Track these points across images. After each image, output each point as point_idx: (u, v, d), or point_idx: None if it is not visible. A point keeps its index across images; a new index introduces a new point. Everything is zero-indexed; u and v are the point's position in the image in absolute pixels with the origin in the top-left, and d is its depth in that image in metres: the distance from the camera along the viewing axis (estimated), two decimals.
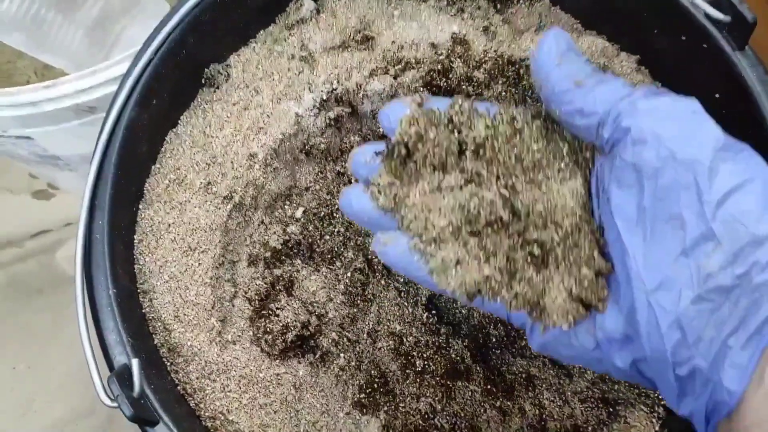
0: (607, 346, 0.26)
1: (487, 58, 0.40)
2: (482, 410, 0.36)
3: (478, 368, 0.37)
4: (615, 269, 0.27)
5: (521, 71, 0.39)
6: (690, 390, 0.24)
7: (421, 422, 0.36)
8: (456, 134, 0.29)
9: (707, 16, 0.36)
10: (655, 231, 0.25)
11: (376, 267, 0.40)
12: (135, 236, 0.36)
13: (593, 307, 0.27)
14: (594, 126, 0.26)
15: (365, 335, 0.38)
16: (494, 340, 0.39)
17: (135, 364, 0.31)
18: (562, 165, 0.29)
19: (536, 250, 0.28)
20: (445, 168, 0.29)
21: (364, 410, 0.36)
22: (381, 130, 0.40)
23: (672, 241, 0.24)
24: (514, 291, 0.28)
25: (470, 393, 0.37)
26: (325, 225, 0.40)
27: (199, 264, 0.36)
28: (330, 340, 0.37)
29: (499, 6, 0.43)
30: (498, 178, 0.29)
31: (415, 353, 0.37)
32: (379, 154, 0.30)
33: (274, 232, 0.39)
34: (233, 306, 0.37)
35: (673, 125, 0.25)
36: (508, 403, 0.37)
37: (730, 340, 0.23)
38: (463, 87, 0.39)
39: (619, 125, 0.25)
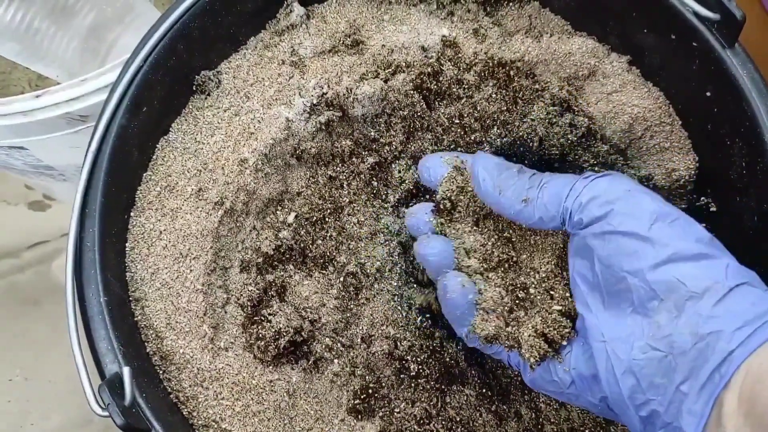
0: (580, 383, 0.30)
1: (477, 61, 0.40)
2: (478, 414, 0.36)
3: (473, 372, 0.37)
4: (582, 318, 0.31)
5: (512, 73, 0.39)
6: (651, 430, 0.27)
7: (416, 427, 0.36)
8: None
9: (696, 14, 0.36)
10: (610, 293, 0.29)
11: (369, 271, 0.40)
12: (126, 244, 0.36)
13: (557, 344, 0.31)
14: (558, 225, 0.31)
15: (359, 340, 0.38)
16: None
17: (126, 372, 0.30)
18: None
19: (521, 294, 0.33)
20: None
21: (359, 416, 0.36)
22: (372, 134, 0.40)
23: (623, 301, 0.28)
24: (507, 331, 0.32)
25: (465, 397, 0.37)
26: (317, 230, 0.40)
27: (191, 271, 0.36)
28: (323, 346, 0.37)
29: (488, 9, 0.43)
30: (500, 230, 0.35)
31: (409, 357, 0.37)
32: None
33: (266, 238, 0.39)
34: (225, 312, 0.37)
35: (612, 206, 0.29)
36: (504, 407, 0.36)
37: (683, 387, 0.25)
38: (454, 90, 0.39)
39: (572, 219, 0.30)
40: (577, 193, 0.30)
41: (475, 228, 0.35)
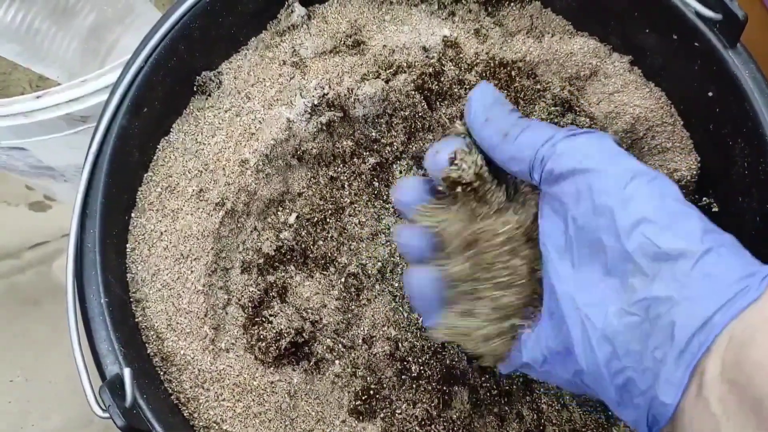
0: (553, 359, 0.29)
1: (478, 61, 0.40)
2: (479, 416, 0.36)
3: (474, 373, 0.37)
4: (551, 291, 0.29)
5: (513, 73, 0.39)
6: (628, 399, 0.26)
7: (417, 429, 0.36)
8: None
9: (698, 14, 0.36)
10: (582, 255, 0.27)
11: (370, 272, 0.40)
12: (127, 245, 0.36)
13: (518, 324, 0.30)
14: (526, 170, 0.29)
15: (360, 341, 0.38)
16: None
17: (127, 373, 0.30)
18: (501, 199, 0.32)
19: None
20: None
21: (360, 417, 0.36)
22: (373, 134, 0.40)
23: (596, 264, 0.27)
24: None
25: (467, 398, 0.36)
26: (318, 230, 0.40)
27: (192, 272, 0.36)
28: (324, 347, 0.37)
29: (490, 9, 0.43)
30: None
31: (410, 358, 0.37)
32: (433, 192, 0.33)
33: (267, 239, 0.39)
34: (226, 313, 0.37)
35: (588, 162, 0.28)
36: (506, 408, 0.36)
37: (658, 353, 0.24)
38: (455, 90, 0.39)
39: (545, 167, 0.28)
40: (555, 141, 0.29)
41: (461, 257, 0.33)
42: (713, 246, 0.25)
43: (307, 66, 0.40)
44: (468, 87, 0.39)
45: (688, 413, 0.24)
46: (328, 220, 0.40)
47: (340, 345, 0.37)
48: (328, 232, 0.40)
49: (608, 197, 0.26)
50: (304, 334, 0.36)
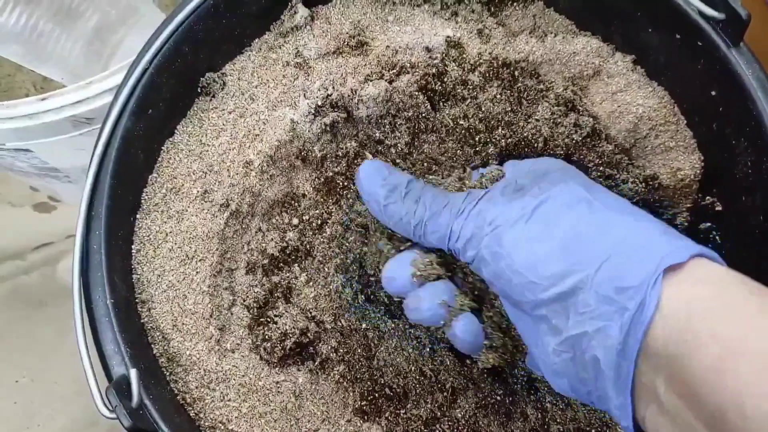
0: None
1: (481, 61, 0.40)
2: (484, 415, 0.36)
3: (480, 373, 0.37)
4: None
5: (516, 73, 0.39)
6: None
7: (422, 428, 0.36)
8: None
9: (701, 13, 0.36)
10: (511, 305, 0.31)
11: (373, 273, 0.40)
12: (132, 246, 0.36)
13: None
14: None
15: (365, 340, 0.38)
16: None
17: (133, 374, 0.31)
18: None
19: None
20: None
21: (365, 417, 0.36)
22: (377, 135, 0.40)
23: (524, 314, 0.29)
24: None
25: (472, 398, 0.37)
26: (322, 231, 0.40)
27: (197, 272, 0.36)
28: (329, 347, 0.37)
29: (492, 9, 0.43)
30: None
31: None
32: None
33: (272, 239, 0.39)
34: (231, 314, 0.37)
35: (481, 251, 0.30)
36: (511, 407, 0.36)
37: (599, 383, 0.26)
38: (458, 90, 0.39)
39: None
40: (455, 237, 0.31)
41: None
42: (602, 263, 0.26)
43: (310, 67, 0.41)
44: (471, 87, 0.39)
45: (657, 427, 0.25)
46: (332, 221, 0.40)
47: (344, 345, 0.38)
48: (332, 233, 0.40)
49: (514, 277, 0.28)
50: (308, 335, 0.37)
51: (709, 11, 0.35)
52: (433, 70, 0.39)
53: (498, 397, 0.36)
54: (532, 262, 0.27)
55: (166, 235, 0.37)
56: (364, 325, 0.38)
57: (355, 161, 0.41)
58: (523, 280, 0.28)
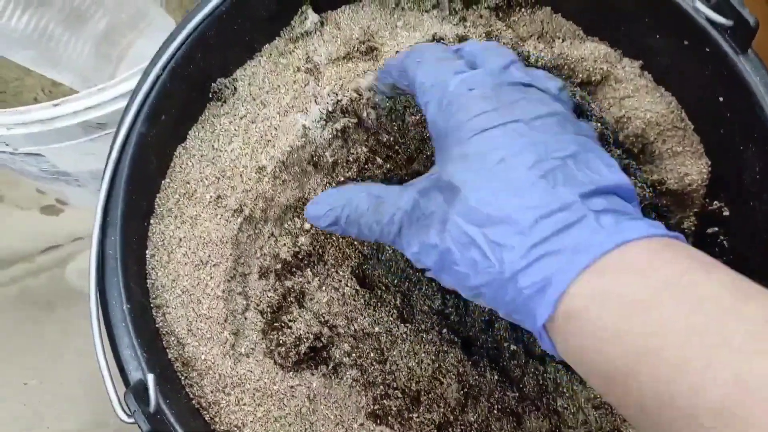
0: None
1: None
2: (496, 418, 0.37)
3: (493, 377, 0.37)
4: None
5: None
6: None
7: None
8: None
9: (709, 20, 0.36)
10: None
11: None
12: (147, 251, 0.37)
13: None
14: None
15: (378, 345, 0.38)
16: (510, 349, 0.39)
17: (150, 379, 0.31)
18: None
19: None
20: None
21: (378, 421, 0.36)
22: (387, 140, 0.41)
23: None
24: None
25: (484, 401, 0.37)
26: (334, 236, 0.40)
27: (211, 277, 0.36)
28: (342, 351, 0.38)
29: (500, 14, 0.43)
30: None
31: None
32: None
33: (284, 244, 0.39)
34: (245, 319, 0.37)
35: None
36: (522, 410, 0.37)
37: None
38: None
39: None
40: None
41: None
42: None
43: (321, 72, 0.41)
44: None
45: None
46: None
47: (357, 350, 0.38)
48: (345, 237, 0.40)
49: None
50: (322, 339, 0.37)
51: (717, 18, 0.36)
52: None
53: (510, 402, 0.37)
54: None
55: (180, 240, 0.37)
56: (376, 329, 0.38)
57: (366, 166, 0.41)
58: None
